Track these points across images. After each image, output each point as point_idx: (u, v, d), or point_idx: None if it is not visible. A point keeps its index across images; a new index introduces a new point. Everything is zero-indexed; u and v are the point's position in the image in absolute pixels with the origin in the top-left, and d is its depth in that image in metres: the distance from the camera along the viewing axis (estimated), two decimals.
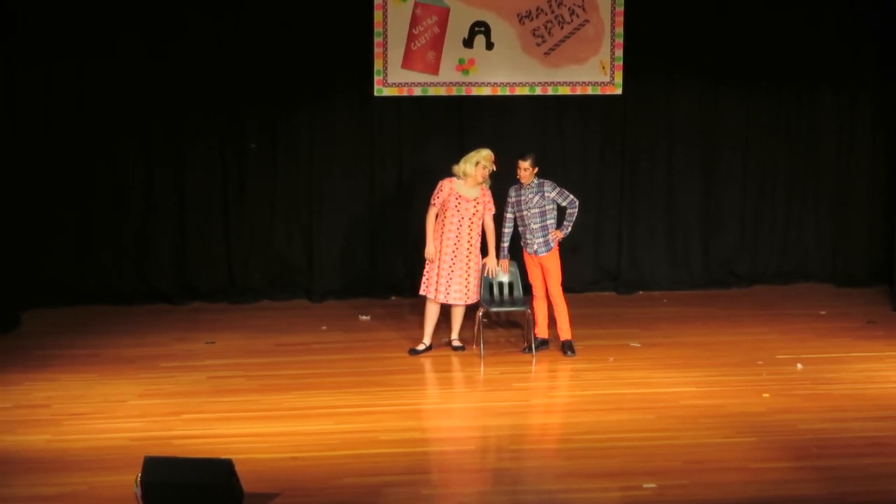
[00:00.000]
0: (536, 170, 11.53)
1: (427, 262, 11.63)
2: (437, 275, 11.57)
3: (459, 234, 11.52)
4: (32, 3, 12.80)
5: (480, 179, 11.52)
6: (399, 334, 12.36)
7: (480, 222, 11.60)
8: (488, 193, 11.63)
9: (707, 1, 13.74)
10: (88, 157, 13.16)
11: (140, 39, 13.06)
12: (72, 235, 13.27)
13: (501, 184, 11.87)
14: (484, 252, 11.70)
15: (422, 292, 11.73)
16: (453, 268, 11.55)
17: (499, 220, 11.76)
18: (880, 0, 13.75)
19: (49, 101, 13.03)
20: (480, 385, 11.08)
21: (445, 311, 11.89)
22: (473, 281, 11.65)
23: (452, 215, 11.50)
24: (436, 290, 11.58)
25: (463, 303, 11.69)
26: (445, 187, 11.53)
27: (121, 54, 13.04)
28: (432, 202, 11.58)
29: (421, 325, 11.88)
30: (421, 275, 11.74)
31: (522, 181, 11.53)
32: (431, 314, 11.74)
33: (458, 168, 11.55)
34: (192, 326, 12.64)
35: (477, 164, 11.46)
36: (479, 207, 11.55)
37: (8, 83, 12.64)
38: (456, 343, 11.86)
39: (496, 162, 11.57)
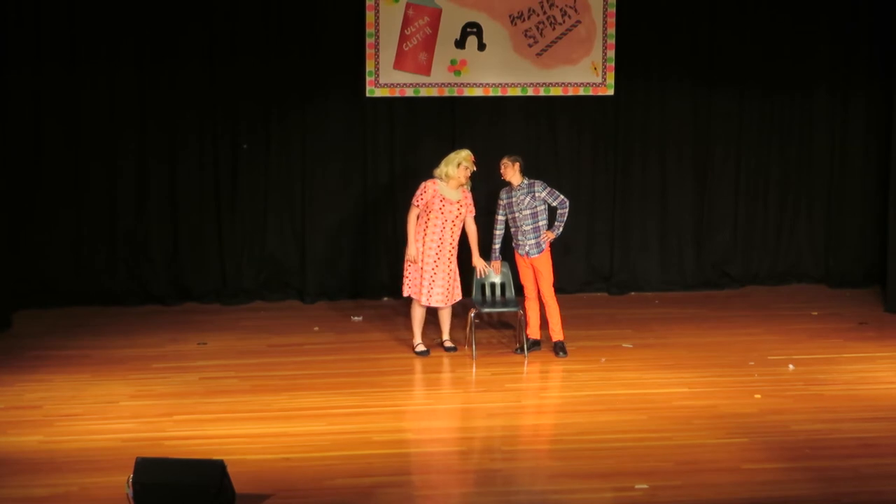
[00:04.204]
0: (518, 165, 11.52)
1: (409, 263, 11.61)
2: (420, 277, 11.55)
3: (443, 236, 11.50)
4: (26, 2, 12.77)
5: (463, 180, 11.51)
6: (391, 335, 12.36)
7: (462, 224, 11.60)
8: (469, 195, 11.64)
9: (700, 2, 13.74)
10: (81, 157, 13.13)
11: (134, 40, 13.02)
12: (64, 236, 13.24)
13: (494, 185, 11.90)
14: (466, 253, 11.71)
15: (406, 293, 11.72)
16: (436, 270, 11.53)
17: (489, 222, 11.79)
18: (873, 0, 13.77)
19: (42, 102, 13.00)
20: (472, 386, 11.09)
21: (432, 311, 11.88)
22: (455, 282, 11.66)
23: (436, 217, 11.48)
24: (419, 292, 11.57)
25: (444, 305, 11.68)
26: (429, 189, 11.51)
27: (114, 55, 13.01)
28: (415, 203, 11.56)
29: (410, 326, 11.86)
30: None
31: (505, 178, 11.53)
32: (419, 315, 11.72)
33: (440, 171, 11.54)
34: (185, 327, 12.62)
35: (459, 166, 11.45)
36: (462, 210, 11.54)
37: (0, 83, 12.63)
38: (448, 344, 11.86)
39: (477, 163, 11.59)
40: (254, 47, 13.21)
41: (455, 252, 11.60)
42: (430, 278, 11.53)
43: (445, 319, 11.85)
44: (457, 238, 11.58)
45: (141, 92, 13.13)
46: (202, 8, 13.11)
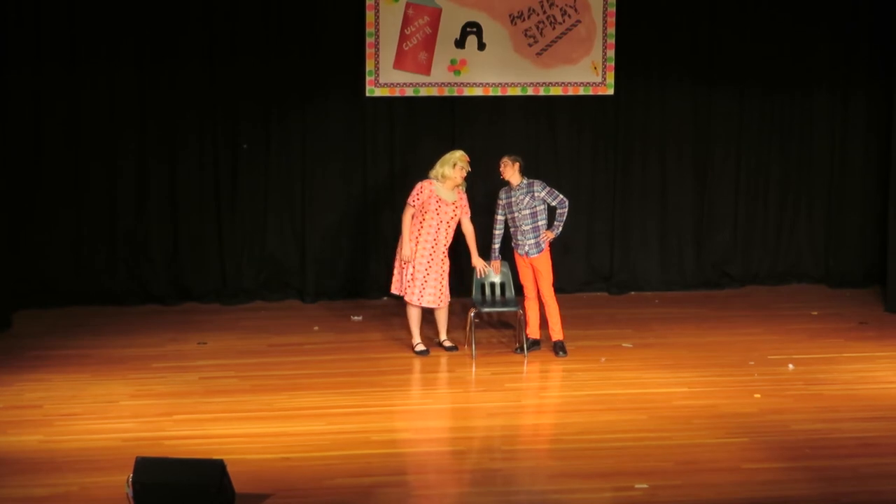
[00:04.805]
0: (517, 165, 11.52)
1: (404, 262, 11.60)
2: (412, 277, 11.55)
3: (437, 237, 11.50)
4: (26, 3, 12.76)
5: (459, 181, 11.51)
6: (390, 335, 12.35)
7: (456, 225, 11.60)
8: (464, 196, 11.64)
9: (700, 1, 13.74)
10: (81, 157, 13.12)
11: (134, 40, 13.01)
12: (64, 236, 13.24)
13: (493, 185, 11.89)
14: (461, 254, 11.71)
15: (398, 292, 11.69)
16: (429, 271, 11.53)
17: (487, 221, 11.79)
18: (873, 0, 13.76)
19: (42, 102, 12.99)
20: (472, 385, 11.09)
21: (428, 310, 11.87)
22: (446, 283, 11.67)
23: (432, 218, 11.48)
24: (411, 292, 11.56)
25: (436, 306, 11.68)
26: (426, 189, 11.50)
27: (114, 55, 13.00)
28: (410, 203, 11.54)
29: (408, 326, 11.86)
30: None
31: (505, 178, 11.53)
32: (416, 315, 11.71)
33: (436, 172, 11.53)
34: (185, 327, 12.61)
35: (455, 166, 11.45)
36: (458, 211, 11.54)
37: (0, 83, 12.62)
38: (448, 343, 11.86)
39: (477, 163, 11.59)
40: (254, 47, 13.20)
41: (447, 253, 11.61)
42: (423, 279, 11.53)
43: (442, 319, 11.85)
44: (450, 239, 11.58)
45: (141, 92, 13.12)
46: (202, 8, 13.10)
